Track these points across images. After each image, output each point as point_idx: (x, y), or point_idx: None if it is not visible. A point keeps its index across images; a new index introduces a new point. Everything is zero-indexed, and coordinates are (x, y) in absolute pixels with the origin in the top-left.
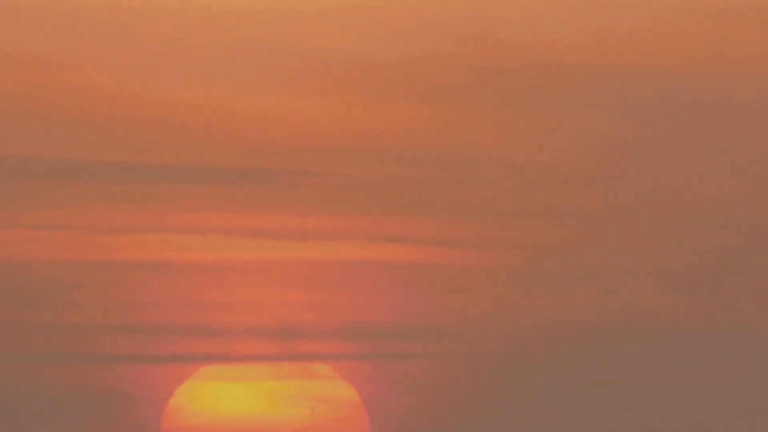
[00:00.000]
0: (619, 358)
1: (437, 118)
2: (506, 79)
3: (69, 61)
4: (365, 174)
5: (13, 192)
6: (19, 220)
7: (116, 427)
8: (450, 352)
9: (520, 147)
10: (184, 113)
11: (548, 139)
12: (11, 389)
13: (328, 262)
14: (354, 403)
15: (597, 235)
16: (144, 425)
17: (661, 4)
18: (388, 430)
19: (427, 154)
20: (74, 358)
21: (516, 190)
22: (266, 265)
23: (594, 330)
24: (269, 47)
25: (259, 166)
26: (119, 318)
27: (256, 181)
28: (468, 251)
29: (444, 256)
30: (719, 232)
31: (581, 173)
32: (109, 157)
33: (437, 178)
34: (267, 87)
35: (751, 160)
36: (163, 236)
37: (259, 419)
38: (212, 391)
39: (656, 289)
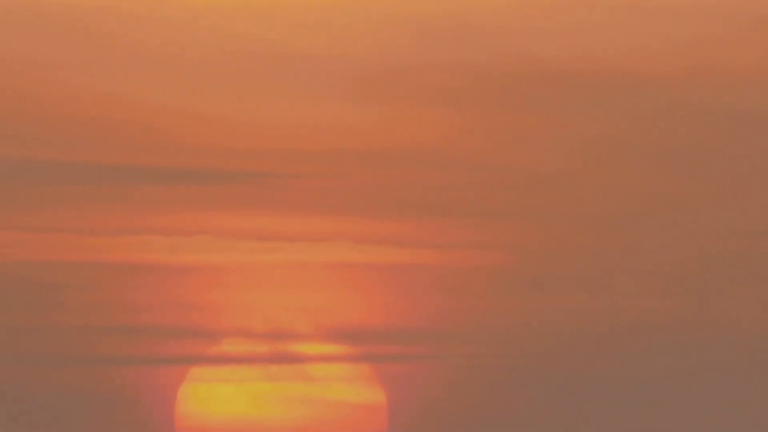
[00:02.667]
0: (611, 360)
1: (427, 121)
2: (500, 85)
3: (54, 63)
4: (353, 176)
5: None
6: (4, 221)
7: (108, 429)
8: (440, 354)
9: (512, 151)
10: (173, 117)
11: (541, 143)
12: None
13: (316, 264)
14: (347, 404)
15: (588, 238)
16: (136, 427)
17: (659, 13)
18: (383, 430)
19: (415, 156)
20: (62, 359)
21: (507, 193)
22: (254, 267)
23: (585, 332)
24: (256, 52)
25: (246, 168)
26: (107, 320)
27: (243, 183)
28: (457, 253)
29: (433, 258)
30: (710, 236)
31: (574, 177)
32: (96, 159)
33: (426, 180)
34: (254, 91)
35: (745, 164)
36: (151, 238)
37: (252, 421)
38: (204, 393)
39: (648, 292)
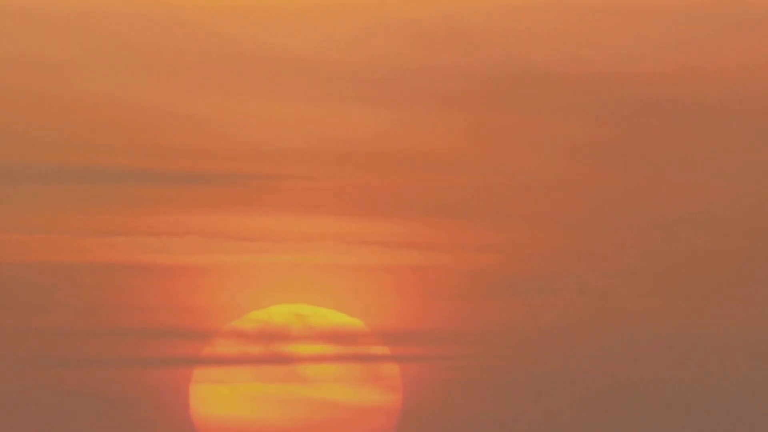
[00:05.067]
0: (601, 359)
1: (422, 124)
2: (493, 88)
3: (46, 65)
4: (344, 177)
5: None
6: None
7: (100, 430)
8: (433, 355)
9: (505, 152)
10: (164, 118)
11: (533, 145)
12: None
13: (306, 265)
14: (340, 405)
15: (577, 237)
16: (129, 428)
17: (647, 16)
18: (376, 430)
19: (403, 157)
20: (54, 361)
21: (493, 193)
22: (244, 268)
23: (575, 332)
24: (250, 55)
25: (236, 169)
26: (96, 321)
27: (232, 185)
28: (444, 254)
29: (424, 259)
30: (702, 236)
31: (567, 177)
32: (86, 161)
33: (412, 180)
34: (247, 93)
35: (735, 164)
36: (139, 239)
37: (245, 422)
38: (198, 395)
39: (637, 292)
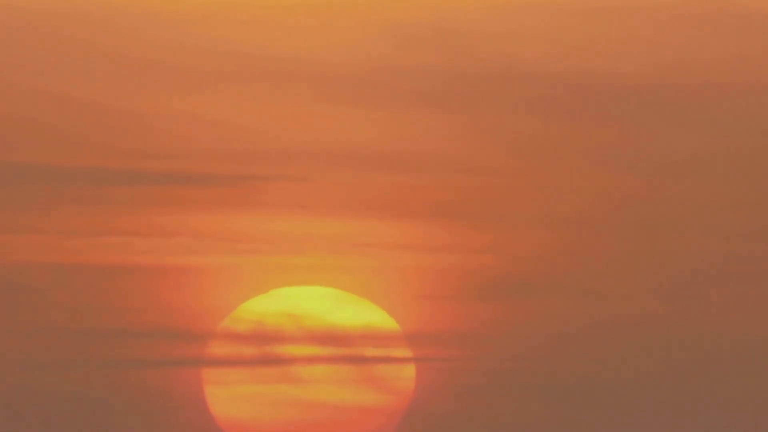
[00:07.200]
0: (603, 360)
1: (406, 123)
2: (476, 87)
3: (35, 69)
4: (332, 178)
5: None
6: None
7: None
8: (427, 356)
9: (492, 152)
10: (153, 119)
11: (520, 144)
12: None
13: (296, 266)
14: (334, 406)
15: (574, 237)
16: (124, 429)
17: (630, 15)
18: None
19: (392, 158)
20: (47, 362)
21: (486, 194)
22: (234, 269)
23: (576, 335)
24: (236, 55)
25: (224, 169)
26: (88, 322)
27: (221, 185)
28: (440, 254)
29: (414, 259)
30: (697, 234)
31: (555, 177)
32: (75, 162)
33: (403, 181)
34: (233, 93)
35: (725, 161)
36: (128, 240)
37: (241, 423)
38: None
39: (642, 296)
